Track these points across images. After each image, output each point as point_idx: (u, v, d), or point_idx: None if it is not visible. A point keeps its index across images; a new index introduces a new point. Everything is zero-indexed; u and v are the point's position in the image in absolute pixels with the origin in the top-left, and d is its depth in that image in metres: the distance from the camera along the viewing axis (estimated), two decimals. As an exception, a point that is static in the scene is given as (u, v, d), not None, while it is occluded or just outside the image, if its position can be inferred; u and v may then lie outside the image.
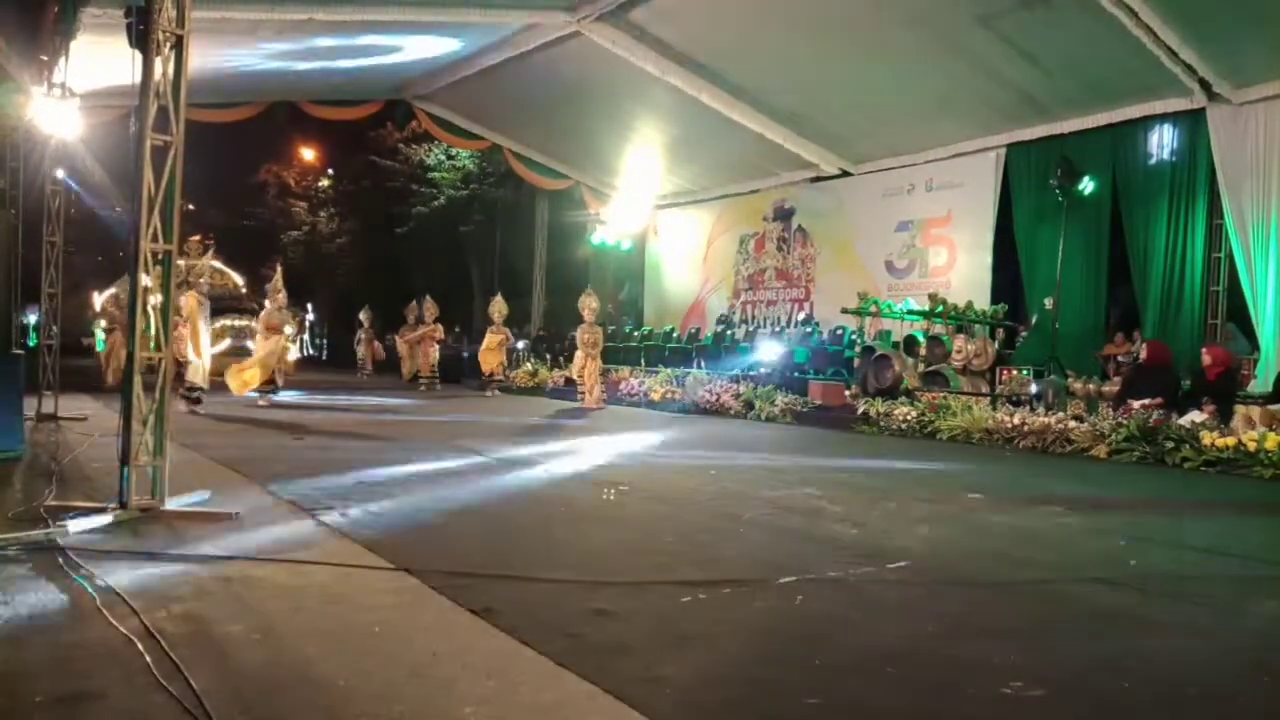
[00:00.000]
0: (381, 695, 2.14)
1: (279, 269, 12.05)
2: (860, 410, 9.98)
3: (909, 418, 9.40)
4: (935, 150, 12.92)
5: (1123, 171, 10.89)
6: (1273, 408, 7.58)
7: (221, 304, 19.72)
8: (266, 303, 12.26)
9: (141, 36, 4.08)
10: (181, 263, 9.50)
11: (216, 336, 18.95)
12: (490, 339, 14.28)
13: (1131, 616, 3.05)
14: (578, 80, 12.96)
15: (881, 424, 9.60)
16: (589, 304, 12.61)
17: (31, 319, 15.91)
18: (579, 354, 12.67)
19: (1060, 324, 10.73)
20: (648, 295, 18.55)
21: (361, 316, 17.78)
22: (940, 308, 11.48)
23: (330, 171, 31.28)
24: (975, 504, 5.19)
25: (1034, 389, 9.38)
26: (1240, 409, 7.75)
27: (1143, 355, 9.10)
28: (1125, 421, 7.78)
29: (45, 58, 7.66)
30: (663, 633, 2.67)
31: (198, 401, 9.71)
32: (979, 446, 8.55)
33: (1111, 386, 9.30)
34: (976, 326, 11.49)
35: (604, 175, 16.96)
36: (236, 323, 18.99)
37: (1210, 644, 2.79)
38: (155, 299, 4.18)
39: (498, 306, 14.39)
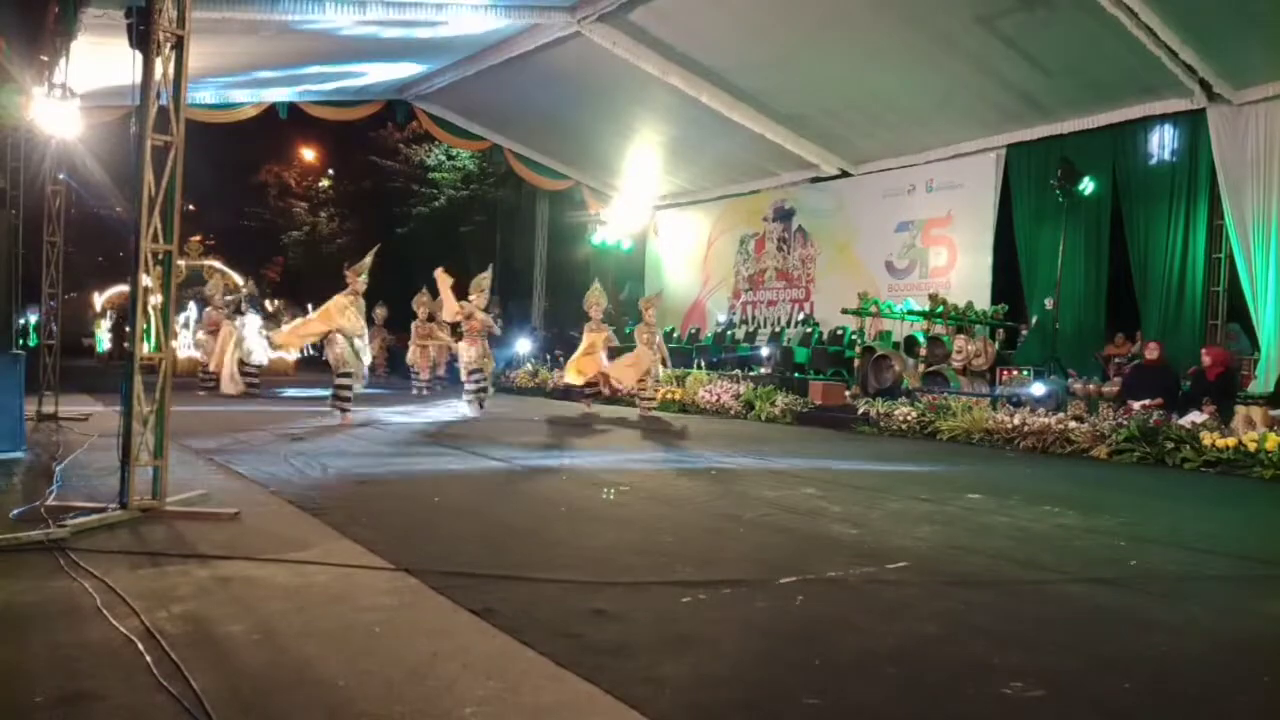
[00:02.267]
0: (382, 696, 2.14)
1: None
2: (860, 410, 9.98)
3: (909, 418, 9.40)
4: (935, 150, 12.93)
5: (1123, 172, 10.89)
6: (1274, 412, 7.57)
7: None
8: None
9: (142, 37, 4.09)
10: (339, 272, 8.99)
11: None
12: (590, 339, 11.14)
13: (1132, 617, 3.05)
14: (578, 81, 12.97)
15: (881, 424, 9.60)
16: (655, 304, 11.20)
17: (32, 319, 15.87)
18: (634, 356, 10.86)
19: (1060, 324, 10.74)
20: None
21: (376, 313, 17.08)
22: (940, 308, 11.48)
23: (331, 172, 31.27)
24: (975, 504, 5.19)
25: (1039, 392, 9.33)
26: (1240, 409, 7.75)
27: (1149, 356, 9.10)
28: (1125, 422, 7.78)
29: (46, 58, 7.67)
30: (663, 633, 2.67)
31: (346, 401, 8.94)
32: (979, 447, 8.55)
33: (1112, 387, 9.30)
34: (977, 327, 11.49)
35: (604, 176, 16.96)
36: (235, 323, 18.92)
37: (1210, 644, 2.79)
38: (156, 299, 4.18)
39: (595, 299, 11.39)
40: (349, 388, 8.86)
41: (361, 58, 12.42)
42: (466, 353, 10.08)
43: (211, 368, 12.54)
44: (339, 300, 8.83)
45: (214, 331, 12.72)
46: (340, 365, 8.84)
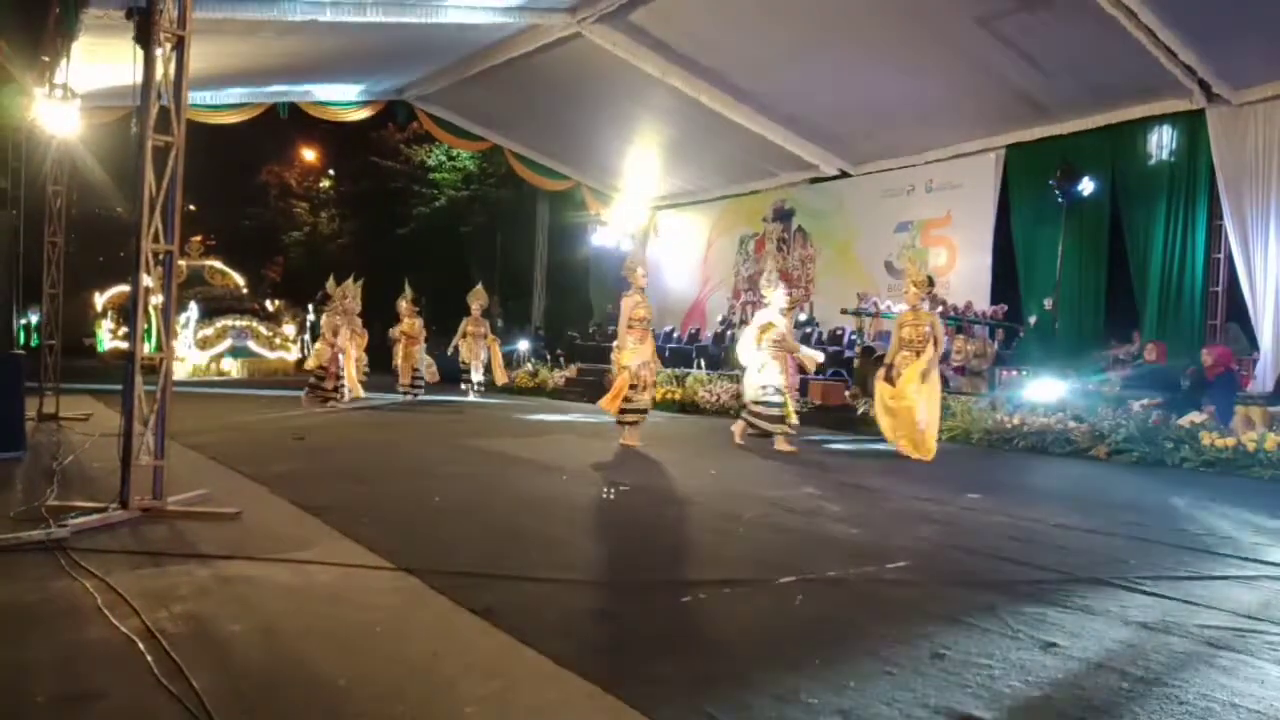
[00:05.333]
0: (383, 695, 2.14)
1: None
2: (860, 410, 9.97)
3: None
4: (935, 151, 12.93)
5: (1122, 172, 10.89)
6: (1274, 409, 7.57)
7: (222, 304, 19.75)
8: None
9: (143, 37, 4.09)
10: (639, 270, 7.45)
11: (217, 337, 18.93)
12: (911, 369, 7.13)
13: (1131, 617, 3.05)
14: (578, 81, 12.97)
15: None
16: (783, 296, 7.90)
17: (33, 319, 15.85)
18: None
19: (1060, 324, 10.73)
20: (648, 295, 18.50)
21: (401, 305, 12.67)
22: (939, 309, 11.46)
23: (331, 172, 31.28)
24: (974, 504, 5.19)
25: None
26: (1240, 409, 7.75)
27: (1148, 356, 9.09)
28: (1125, 422, 7.77)
29: (47, 59, 7.67)
30: (663, 633, 2.67)
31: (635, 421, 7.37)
32: (978, 447, 8.55)
33: (1110, 388, 9.28)
34: (976, 327, 11.49)
35: (605, 176, 16.97)
36: (236, 323, 18.91)
37: (1208, 645, 2.78)
38: (156, 299, 4.19)
39: (913, 274, 7.39)
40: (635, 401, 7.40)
41: (362, 57, 12.42)
42: (772, 375, 7.44)
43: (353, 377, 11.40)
44: (634, 299, 7.43)
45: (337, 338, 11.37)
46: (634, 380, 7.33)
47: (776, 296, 7.54)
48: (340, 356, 10.89)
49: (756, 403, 7.50)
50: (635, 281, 7.53)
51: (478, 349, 12.88)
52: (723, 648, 2.57)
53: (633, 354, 7.33)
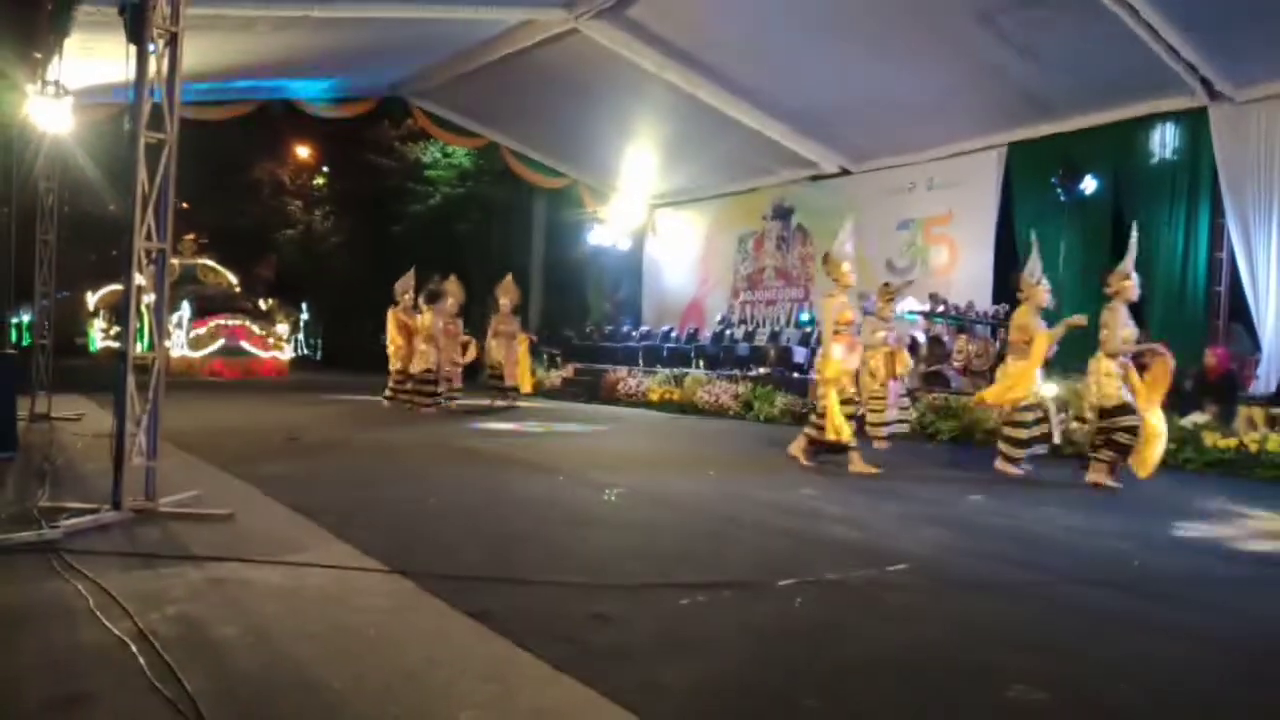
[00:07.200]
0: (377, 699, 2.12)
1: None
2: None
3: (909, 419, 9.35)
4: (936, 148, 12.82)
5: (1124, 171, 10.82)
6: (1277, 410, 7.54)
7: (214, 303, 19.63)
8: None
9: (137, 33, 4.05)
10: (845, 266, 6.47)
11: (210, 337, 18.80)
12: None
13: (1134, 620, 3.03)
14: (575, 77, 12.91)
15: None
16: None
17: (25, 318, 15.72)
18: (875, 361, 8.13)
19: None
20: (646, 295, 18.48)
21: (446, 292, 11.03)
22: (940, 308, 11.43)
23: (325, 169, 31.14)
24: (977, 506, 5.17)
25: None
26: (1242, 410, 7.71)
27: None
28: None
29: (39, 55, 7.62)
30: (662, 637, 2.65)
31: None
32: (980, 448, 8.52)
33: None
34: (978, 327, 11.45)
35: (602, 174, 16.90)
36: (229, 322, 18.76)
37: (1212, 648, 2.77)
38: (149, 298, 4.15)
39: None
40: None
41: (356, 53, 12.35)
42: (1022, 399, 6.66)
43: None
44: (839, 300, 6.60)
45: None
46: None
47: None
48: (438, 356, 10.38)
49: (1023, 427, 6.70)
50: (841, 280, 6.58)
51: (510, 350, 11.19)
52: (722, 652, 2.54)
53: (841, 364, 6.51)
